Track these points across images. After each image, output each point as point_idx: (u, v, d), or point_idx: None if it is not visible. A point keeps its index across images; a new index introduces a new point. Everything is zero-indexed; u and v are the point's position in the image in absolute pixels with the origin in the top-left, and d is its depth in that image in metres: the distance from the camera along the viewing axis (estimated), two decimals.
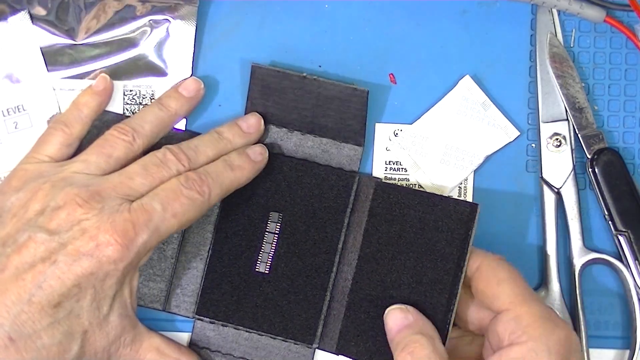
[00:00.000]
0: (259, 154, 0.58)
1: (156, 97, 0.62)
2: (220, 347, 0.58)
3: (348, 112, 0.60)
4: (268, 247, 0.58)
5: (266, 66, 0.60)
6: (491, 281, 0.55)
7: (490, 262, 0.57)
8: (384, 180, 0.61)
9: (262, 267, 0.58)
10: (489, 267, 0.56)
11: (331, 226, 0.59)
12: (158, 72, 0.63)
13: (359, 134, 0.61)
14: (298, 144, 0.60)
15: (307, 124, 0.60)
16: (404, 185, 0.60)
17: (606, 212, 0.62)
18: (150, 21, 0.63)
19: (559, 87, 0.63)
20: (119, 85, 0.62)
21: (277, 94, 0.60)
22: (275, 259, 0.58)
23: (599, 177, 0.62)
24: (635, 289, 0.62)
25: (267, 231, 0.59)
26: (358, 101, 0.60)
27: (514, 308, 0.54)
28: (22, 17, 0.62)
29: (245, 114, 0.61)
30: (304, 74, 0.60)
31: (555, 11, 0.64)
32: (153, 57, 0.63)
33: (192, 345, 0.59)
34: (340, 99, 0.60)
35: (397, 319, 0.56)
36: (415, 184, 0.63)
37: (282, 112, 0.60)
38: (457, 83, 0.64)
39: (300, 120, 0.60)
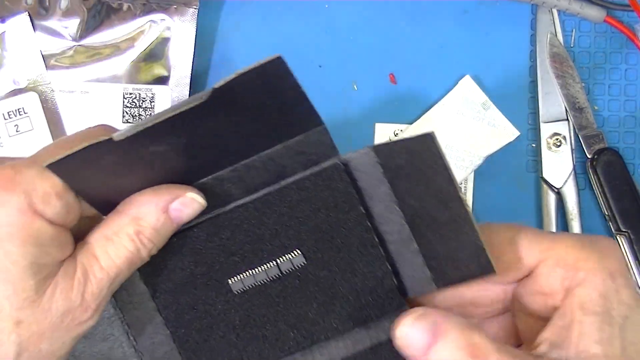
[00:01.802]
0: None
1: (156, 99, 0.62)
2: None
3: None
4: (262, 276, 0.45)
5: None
6: (501, 245, 0.45)
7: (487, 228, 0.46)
8: None
9: (236, 286, 0.46)
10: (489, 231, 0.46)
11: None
12: None
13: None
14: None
15: None
16: None
17: (606, 212, 0.62)
18: (150, 22, 0.63)
19: (559, 87, 0.63)
20: (119, 88, 0.62)
21: None
22: (257, 288, 0.46)
23: (599, 177, 0.62)
24: (636, 289, 0.62)
25: (273, 262, 0.46)
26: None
27: (548, 256, 0.44)
28: (22, 18, 0.62)
29: None
30: None
31: (555, 11, 0.64)
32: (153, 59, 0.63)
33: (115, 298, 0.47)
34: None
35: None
36: None
37: None
38: (457, 83, 0.64)
39: None
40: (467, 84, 0.64)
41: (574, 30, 0.64)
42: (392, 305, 0.45)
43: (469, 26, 0.65)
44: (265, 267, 0.46)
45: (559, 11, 0.64)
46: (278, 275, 0.45)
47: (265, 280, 0.46)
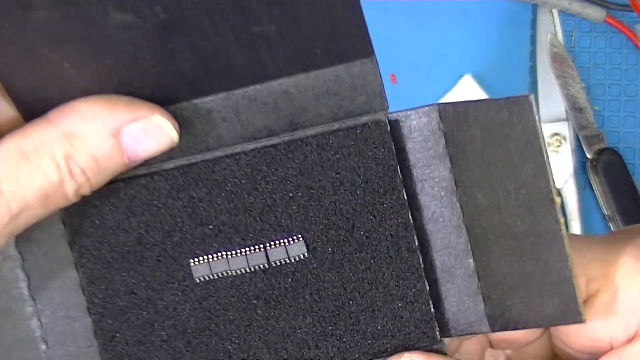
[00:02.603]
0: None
1: None
2: None
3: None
4: (240, 263, 0.31)
5: None
6: None
7: None
8: None
9: (200, 270, 0.32)
10: None
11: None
12: None
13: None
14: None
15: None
16: None
17: (606, 212, 0.62)
18: None
19: (559, 87, 0.63)
20: None
21: None
22: (229, 280, 0.32)
23: (599, 178, 0.62)
24: None
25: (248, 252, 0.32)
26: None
27: (601, 287, 0.33)
28: None
29: None
30: None
31: (555, 11, 0.64)
32: None
33: None
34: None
35: None
36: None
37: None
38: (457, 83, 0.64)
39: None
40: (467, 83, 0.63)
41: (574, 30, 0.64)
42: (421, 341, 0.32)
43: (469, 26, 0.64)
44: (247, 252, 0.32)
45: (559, 11, 0.64)
46: (263, 266, 0.32)
47: (243, 271, 0.32)
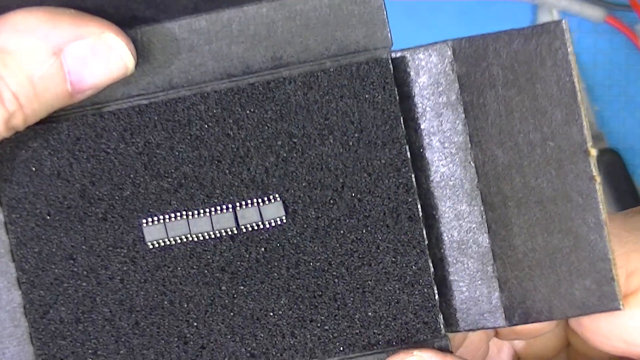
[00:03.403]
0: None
1: None
2: None
3: None
4: (202, 226, 0.26)
5: None
6: None
7: None
8: None
9: (153, 233, 0.26)
10: None
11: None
12: None
13: None
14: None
15: None
16: None
17: None
18: None
19: None
20: None
21: None
22: (188, 248, 0.26)
23: (599, 178, 0.62)
24: None
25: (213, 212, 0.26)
26: None
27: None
28: None
29: None
30: None
31: (555, 11, 0.64)
32: None
33: None
34: None
35: None
36: None
37: None
38: None
39: None
40: None
41: (574, 30, 0.64)
42: (421, 333, 0.26)
43: (469, 26, 0.64)
44: (213, 212, 0.26)
45: (559, 11, 0.64)
46: (231, 231, 0.26)
47: (206, 235, 0.26)
